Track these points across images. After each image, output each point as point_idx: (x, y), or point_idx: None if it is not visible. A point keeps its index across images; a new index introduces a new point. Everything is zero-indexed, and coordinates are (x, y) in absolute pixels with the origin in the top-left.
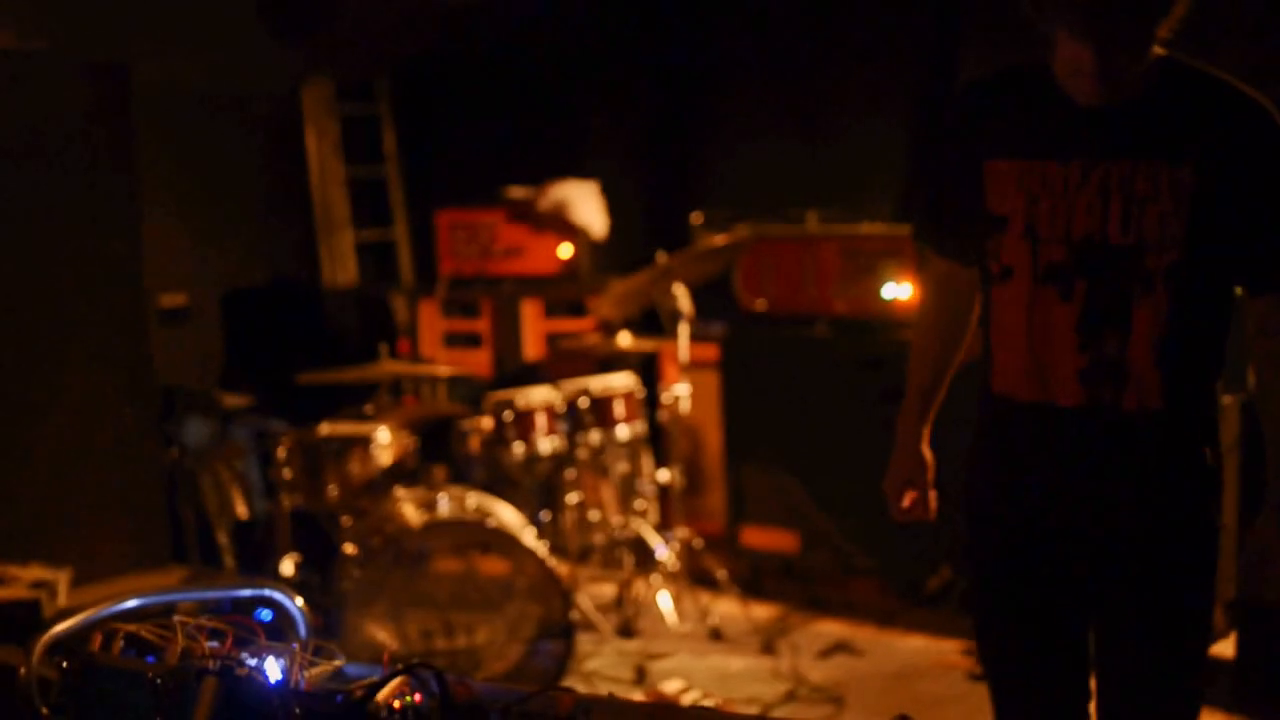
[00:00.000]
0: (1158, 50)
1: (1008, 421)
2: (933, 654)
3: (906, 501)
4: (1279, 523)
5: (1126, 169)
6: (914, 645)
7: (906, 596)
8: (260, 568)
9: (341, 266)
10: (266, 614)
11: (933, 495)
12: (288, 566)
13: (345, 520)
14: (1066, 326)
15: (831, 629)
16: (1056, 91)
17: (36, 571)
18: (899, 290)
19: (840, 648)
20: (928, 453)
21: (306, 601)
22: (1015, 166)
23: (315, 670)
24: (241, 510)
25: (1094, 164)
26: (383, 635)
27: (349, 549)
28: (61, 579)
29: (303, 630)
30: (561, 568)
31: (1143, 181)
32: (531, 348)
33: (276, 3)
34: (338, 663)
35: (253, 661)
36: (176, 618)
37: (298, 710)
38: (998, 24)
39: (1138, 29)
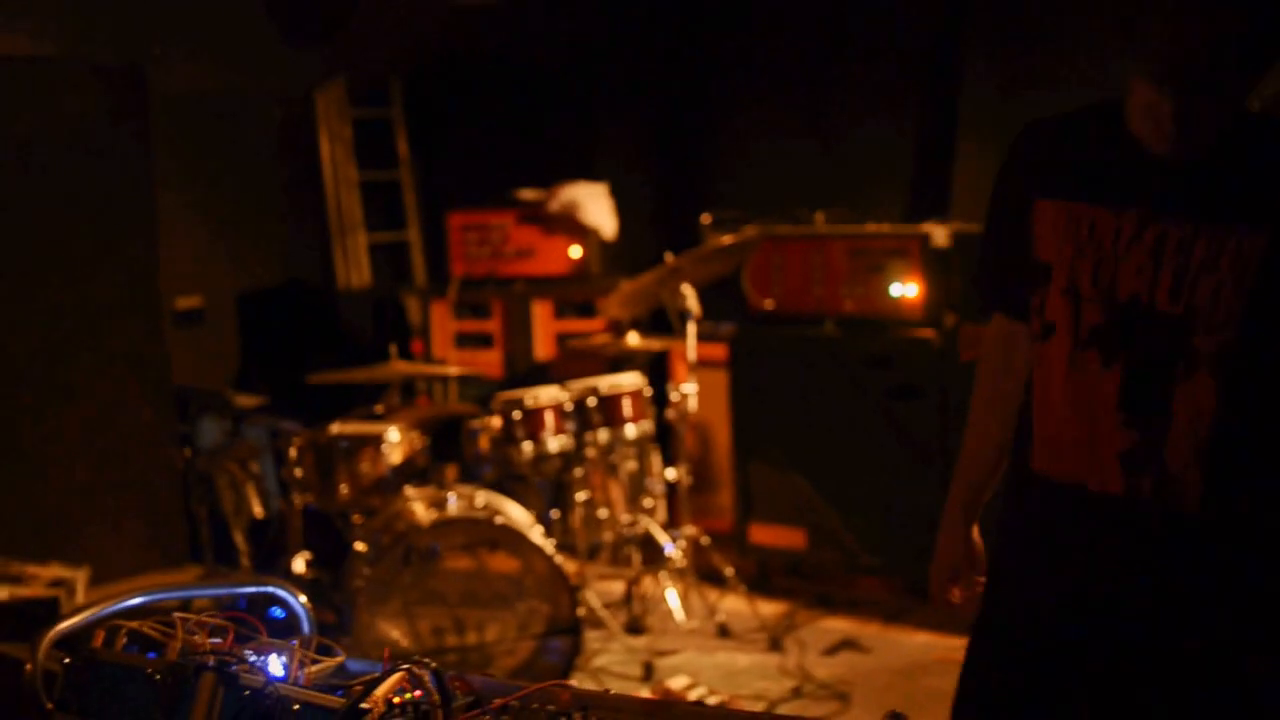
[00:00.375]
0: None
1: (1040, 506)
2: (939, 650)
3: (955, 597)
4: None
5: (1188, 228)
6: (920, 641)
7: (914, 593)
8: (274, 566)
9: (355, 268)
10: (279, 613)
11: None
12: (299, 564)
13: (356, 518)
14: (1109, 400)
15: (838, 625)
16: (1124, 133)
17: (55, 570)
18: (905, 289)
19: (846, 644)
20: (978, 540)
21: (319, 599)
22: (1063, 209)
23: (317, 667)
24: (257, 509)
25: (1151, 218)
26: (395, 633)
27: (360, 547)
28: (80, 577)
29: (306, 626)
30: (570, 565)
31: (1204, 245)
32: (542, 348)
33: (291, 8)
34: (339, 659)
35: (254, 658)
36: (177, 614)
37: (296, 706)
38: (1001, 26)
39: (1227, 82)
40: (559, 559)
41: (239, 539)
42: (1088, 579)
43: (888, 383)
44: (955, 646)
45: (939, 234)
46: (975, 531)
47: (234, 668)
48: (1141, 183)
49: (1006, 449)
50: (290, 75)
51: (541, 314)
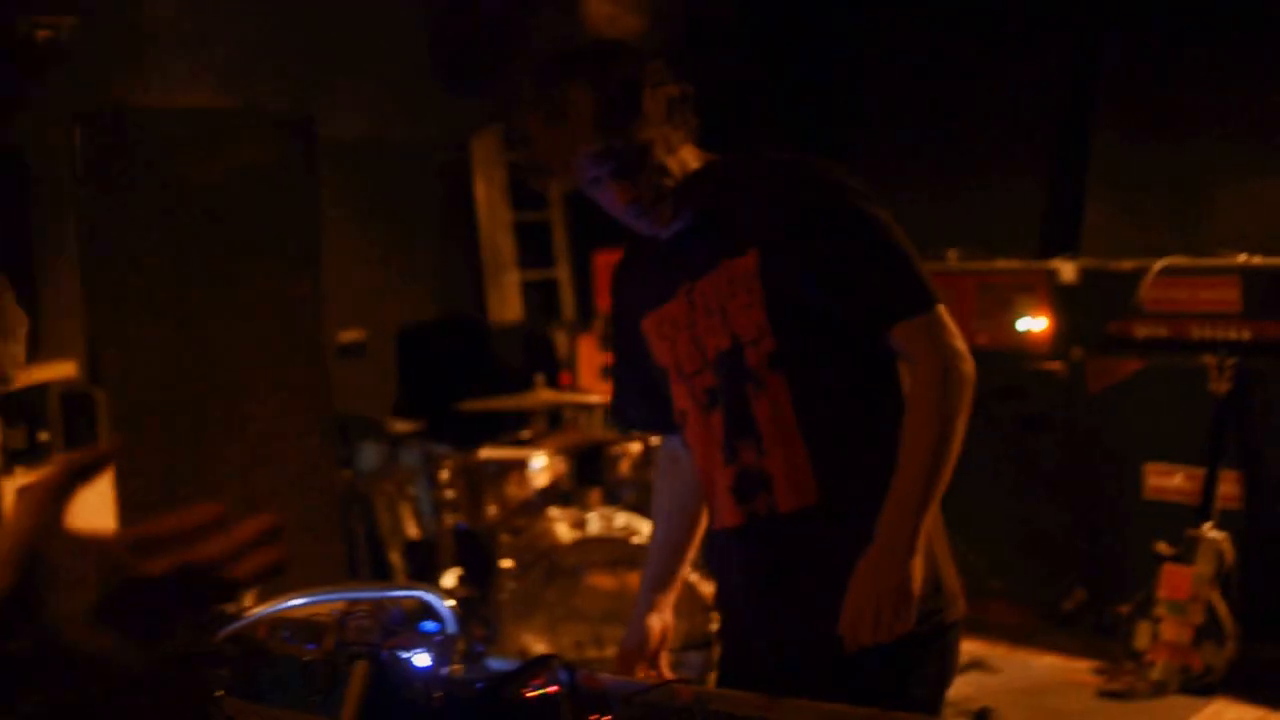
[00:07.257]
0: (694, 158)
1: (718, 555)
2: (1064, 671)
3: (638, 674)
4: (875, 570)
5: (711, 276)
6: (1046, 663)
7: (1041, 616)
8: (427, 582)
9: (508, 304)
10: (432, 626)
11: (663, 663)
12: (450, 580)
13: (504, 538)
14: (717, 443)
15: (967, 647)
16: (647, 238)
17: None
18: (1034, 323)
19: (975, 665)
20: (655, 624)
21: (469, 613)
22: (653, 317)
23: (460, 664)
24: (413, 530)
25: (690, 284)
26: (538, 645)
27: (506, 564)
28: (248, 595)
29: (451, 628)
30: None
31: (723, 282)
32: None
33: (451, 59)
34: (482, 657)
35: (402, 652)
36: (334, 611)
37: (439, 694)
38: (1132, 73)
39: (630, 161)
40: (695, 578)
41: (394, 557)
42: (748, 595)
43: (1018, 413)
44: (1080, 669)
45: (1067, 270)
46: (655, 613)
47: (384, 657)
48: (675, 264)
49: (679, 547)
50: (450, 123)
51: None
